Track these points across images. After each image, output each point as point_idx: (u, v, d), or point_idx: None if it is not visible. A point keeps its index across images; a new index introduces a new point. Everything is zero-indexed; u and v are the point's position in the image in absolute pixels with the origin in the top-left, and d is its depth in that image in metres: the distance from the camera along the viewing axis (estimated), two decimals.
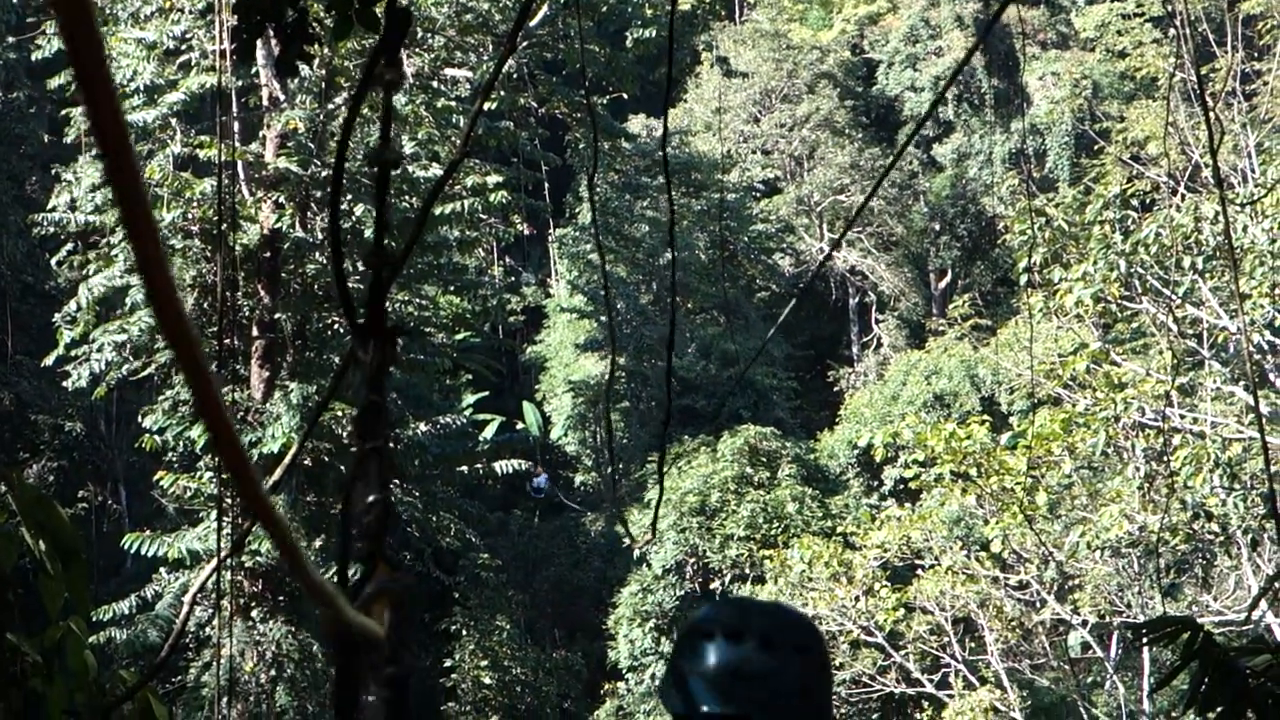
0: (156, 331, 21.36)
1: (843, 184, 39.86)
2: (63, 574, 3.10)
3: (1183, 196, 15.94)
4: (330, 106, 21.44)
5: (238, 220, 20.17)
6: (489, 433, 32.49)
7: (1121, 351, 17.56)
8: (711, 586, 25.03)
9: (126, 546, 21.62)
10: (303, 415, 20.49)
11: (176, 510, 23.31)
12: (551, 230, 37.96)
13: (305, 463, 21.32)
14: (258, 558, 20.66)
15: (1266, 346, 16.00)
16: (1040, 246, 16.19)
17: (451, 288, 25.95)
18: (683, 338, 33.41)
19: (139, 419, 22.16)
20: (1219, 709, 4.14)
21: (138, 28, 21.63)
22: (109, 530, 29.17)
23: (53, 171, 24.71)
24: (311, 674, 20.90)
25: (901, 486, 22.51)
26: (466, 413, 30.32)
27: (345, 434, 20.87)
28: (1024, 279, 16.74)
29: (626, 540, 26.03)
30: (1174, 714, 19.42)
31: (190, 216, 20.98)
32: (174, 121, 21.55)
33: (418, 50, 23.77)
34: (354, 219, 21.14)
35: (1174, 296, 15.48)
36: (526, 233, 37.04)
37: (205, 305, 21.13)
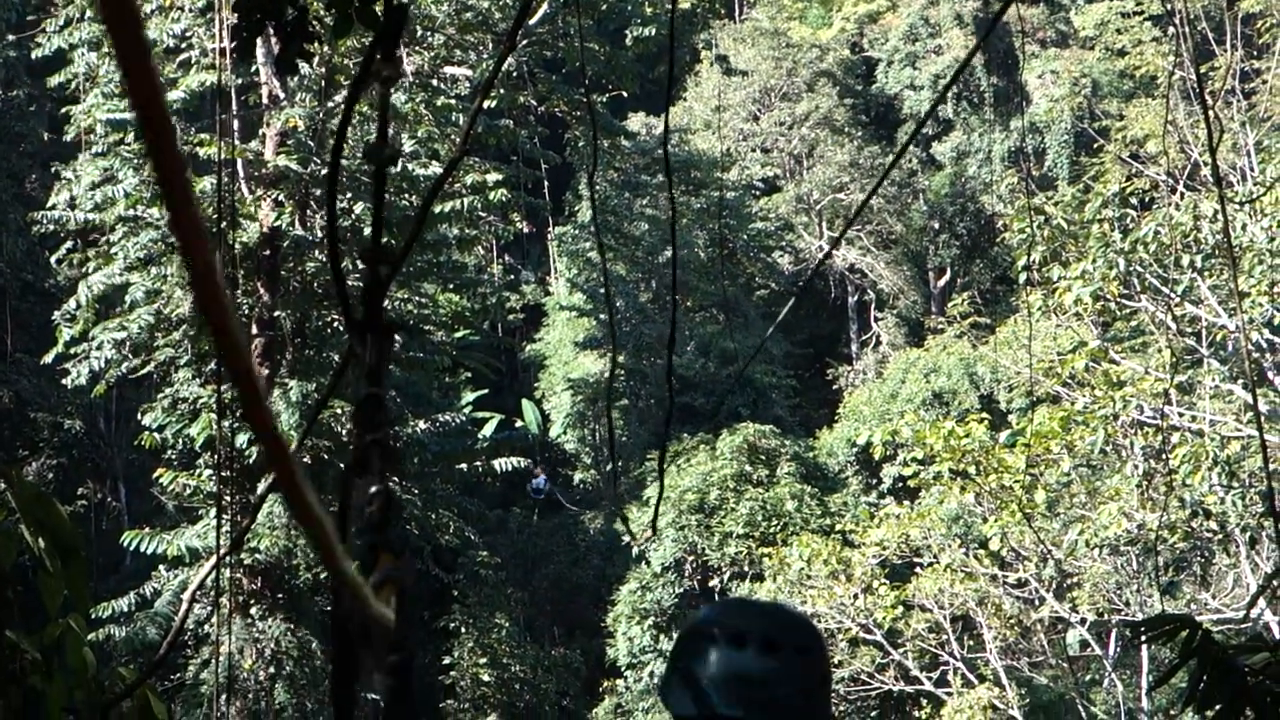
0: (156, 329, 21.38)
1: (842, 182, 39.84)
2: (62, 571, 3.10)
3: (1182, 195, 15.94)
4: (330, 105, 21.44)
5: (237, 218, 20.17)
6: (488, 430, 32.49)
7: (1120, 350, 17.56)
8: (710, 584, 25.05)
9: (126, 544, 21.63)
10: (302, 413, 20.50)
11: (176, 508, 23.31)
12: (551, 228, 37.95)
13: (305, 460, 21.32)
14: (257, 555, 20.67)
15: (1265, 345, 15.99)
16: (1039, 245, 16.19)
17: (451, 285, 25.95)
18: (682, 336, 33.40)
19: (138, 416, 22.16)
20: (1217, 707, 4.14)
21: None
22: (108, 528, 29.15)
23: (52, 169, 24.70)
24: (310, 671, 20.91)
25: (900, 484, 22.54)
26: (466, 410, 30.31)
27: (345, 431, 20.88)
28: (1023, 277, 16.74)
29: (626, 538, 26.04)
30: (1172, 712, 19.42)
31: None
32: (174, 119, 21.52)
33: (417, 48, 23.78)
34: (353, 217, 21.14)
35: (1173, 295, 15.49)
36: (526, 231, 37.03)
37: None
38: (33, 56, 24.76)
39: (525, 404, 35.56)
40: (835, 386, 37.63)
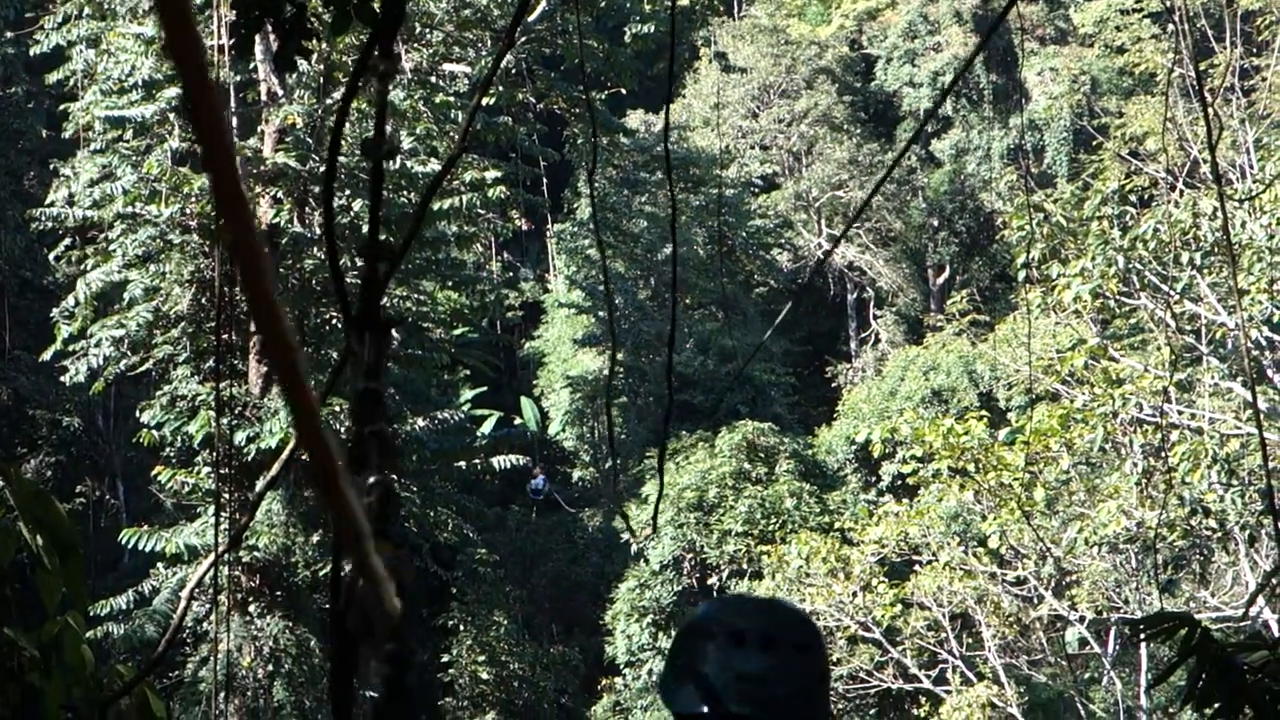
0: (154, 326, 21.37)
1: (841, 179, 39.82)
2: (60, 569, 3.10)
3: (1181, 192, 15.93)
4: (328, 102, 21.42)
5: None
6: (487, 428, 32.50)
7: (1120, 347, 17.57)
8: (709, 582, 25.05)
9: (124, 541, 21.63)
10: None
11: (174, 505, 23.30)
12: (549, 225, 37.94)
13: (303, 457, 21.24)
14: (255, 552, 20.67)
15: (1264, 342, 16.00)
16: (1038, 242, 16.19)
17: (449, 283, 25.94)
18: (681, 333, 33.39)
19: (137, 414, 22.15)
20: (1216, 704, 4.14)
21: (136, 22, 21.62)
22: (107, 525, 29.14)
23: (51, 166, 24.70)
24: (309, 669, 20.91)
25: (899, 482, 22.54)
26: (464, 408, 30.30)
27: (344, 429, 20.85)
28: (1022, 275, 16.74)
29: (625, 535, 26.04)
30: (1171, 710, 19.45)
31: (188, 211, 20.96)
32: (172, 116, 21.52)
33: (416, 45, 23.77)
34: (352, 214, 21.14)
35: (1172, 292, 15.49)
36: (524, 228, 37.05)
37: (203, 300, 21.12)
38: (31, 53, 24.77)
39: (524, 401, 35.58)
40: (834, 384, 37.63)
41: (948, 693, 18.76)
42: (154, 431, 21.63)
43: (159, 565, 21.36)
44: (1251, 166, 19.03)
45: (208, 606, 19.52)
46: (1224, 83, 19.32)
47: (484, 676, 25.12)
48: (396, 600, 0.95)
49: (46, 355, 22.72)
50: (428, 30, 24.18)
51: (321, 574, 21.12)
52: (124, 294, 21.51)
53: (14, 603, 3.17)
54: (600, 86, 31.60)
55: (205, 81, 0.69)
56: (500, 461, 26.20)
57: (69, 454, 29.89)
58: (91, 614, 18.92)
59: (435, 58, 24.48)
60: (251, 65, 21.59)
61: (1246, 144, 19.85)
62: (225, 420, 19.44)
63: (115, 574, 25.77)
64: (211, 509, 20.41)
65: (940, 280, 41.03)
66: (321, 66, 21.09)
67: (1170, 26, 28.30)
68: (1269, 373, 16.49)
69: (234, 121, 21.45)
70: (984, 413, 19.54)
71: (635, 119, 37.63)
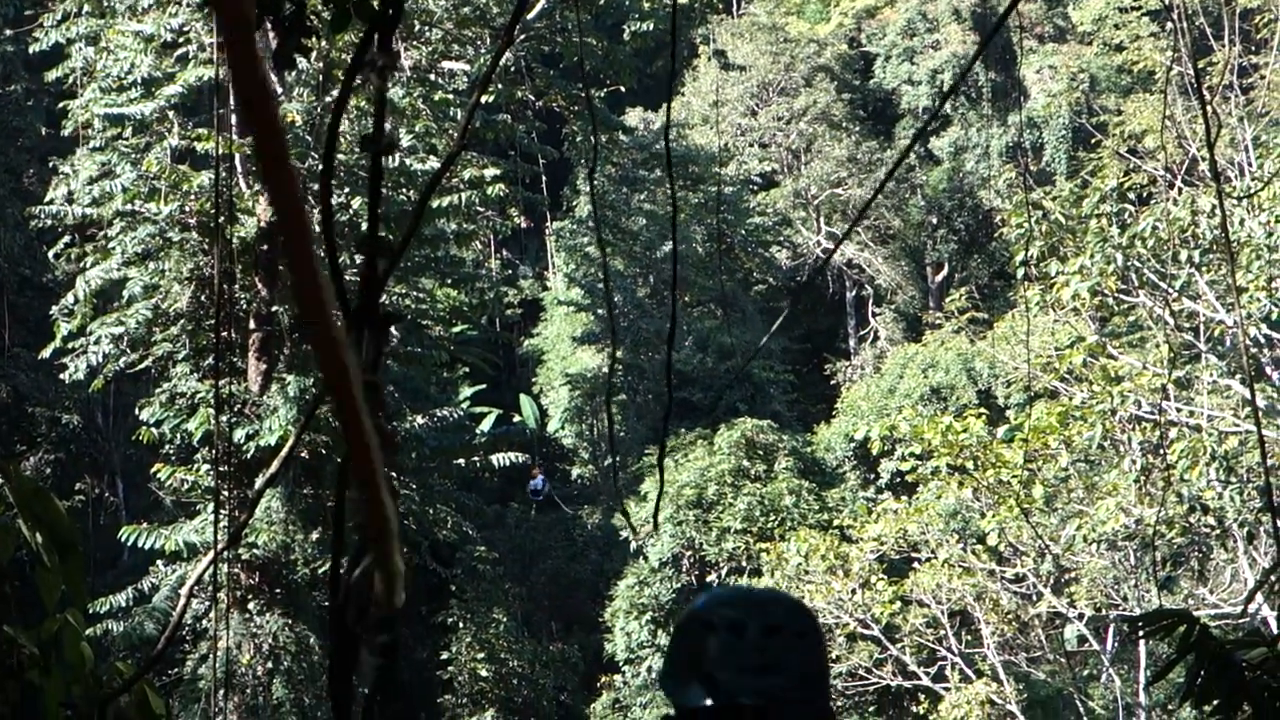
0: (154, 324, 21.38)
1: (840, 177, 39.82)
2: (60, 566, 3.10)
3: (1180, 190, 15.94)
4: (328, 99, 21.42)
5: (235, 213, 20.16)
6: (486, 425, 32.51)
7: (1118, 345, 17.57)
8: (708, 579, 25.06)
9: (123, 539, 21.64)
10: (300, 408, 20.49)
11: (174, 503, 23.30)
12: (549, 223, 37.94)
13: (302, 455, 21.33)
14: (255, 550, 20.67)
15: (1263, 340, 16.01)
16: (1037, 240, 16.18)
17: (448, 280, 25.94)
18: (680, 331, 33.39)
19: (136, 411, 22.15)
20: (1215, 701, 4.15)
21: (135, 20, 21.61)
22: (106, 523, 29.16)
23: (50, 164, 24.68)
24: (308, 666, 20.91)
25: (898, 479, 22.54)
26: (463, 405, 30.31)
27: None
28: (1021, 272, 16.73)
29: (624, 533, 26.05)
30: (1170, 707, 19.46)
31: (188, 209, 20.97)
32: (172, 114, 21.53)
33: (415, 43, 23.76)
34: (351, 212, 21.14)
35: (1171, 290, 15.49)
36: (523, 226, 37.05)
37: (203, 298, 21.13)
38: (30, 51, 24.77)
39: (523, 399, 35.58)
40: (833, 382, 37.63)
41: (946, 690, 18.77)
42: (153, 429, 21.64)
43: (158, 563, 21.37)
44: (1250, 164, 19.03)
45: (207, 604, 19.53)
46: (1222, 80, 19.33)
47: (483, 674, 25.13)
48: (401, 595, 0.96)
49: (46, 353, 22.72)
50: (427, 28, 24.17)
51: (321, 571, 21.12)
52: (123, 291, 21.51)
53: (13, 600, 3.17)
54: (599, 84, 31.58)
55: (253, 47, 0.70)
56: (499, 459, 26.21)
57: (68, 451, 29.90)
58: (91, 611, 18.93)
59: (434, 55, 24.47)
60: None
61: (1245, 142, 19.84)
62: (224, 418, 19.44)
63: (115, 571, 25.77)
64: (211, 506, 20.42)
65: (939, 278, 41.04)
66: (321, 64, 21.08)
67: (1169, 24, 28.30)
68: (1267, 370, 16.49)
69: (233, 119, 21.45)
70: (983, 410, 19.53)
71: (634, 117, 37.63)
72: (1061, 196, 17.25)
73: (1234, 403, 16.18)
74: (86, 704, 3.21)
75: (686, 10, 33.20)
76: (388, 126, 1.48)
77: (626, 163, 35.07)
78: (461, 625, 25.45)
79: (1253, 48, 27.34)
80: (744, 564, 24.19)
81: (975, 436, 16.99)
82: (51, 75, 23.43)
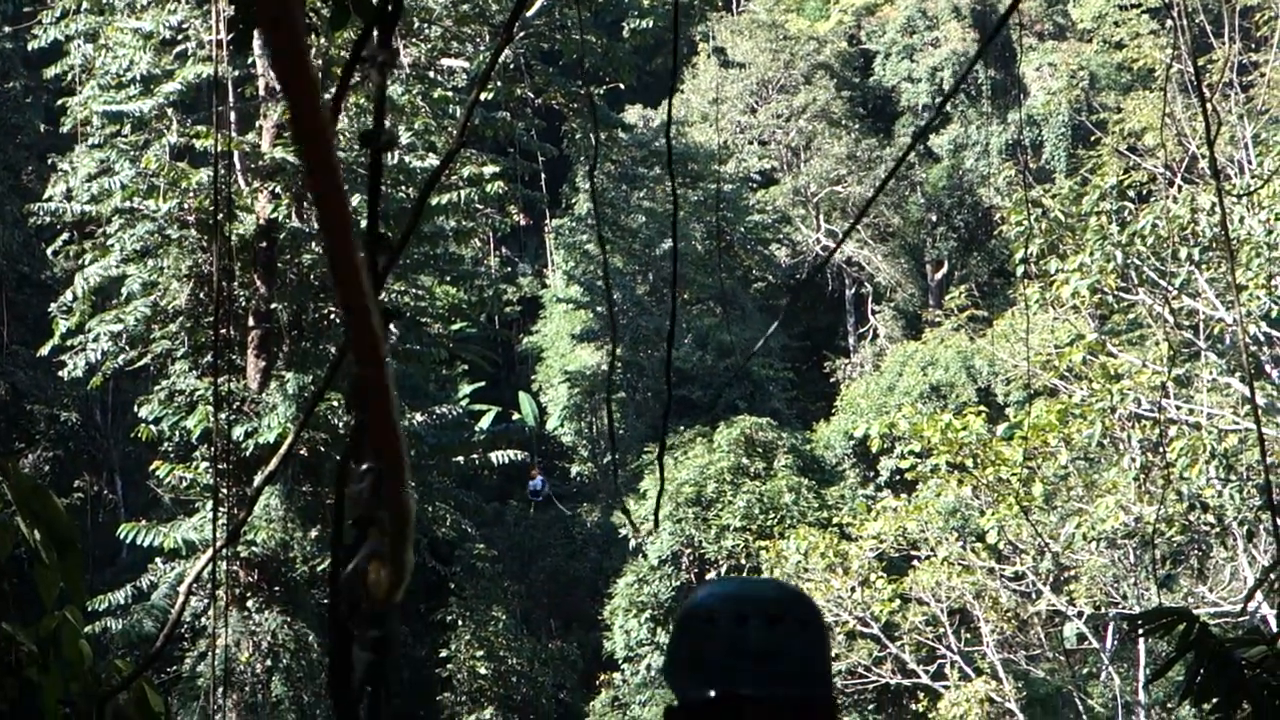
0: (152, 321, 21.37)
1: (839, 175, 39.82)
2: (58, 564, 3.09)
3: (1179, 188, 15.94)
4: (327, 97, 21.37)
5: (234, 210, 20.15)
6: (485, 423, 32.50)
7: (1118, 343, 17.58)
8: (707, 577, 25.04)
9: (122, 536, 21.63)
10: (299, 405, 20.48)
11: (172, 500, 23.30)
12: (548, 220, 37.93)
13: (301, 452, 21.32)
14: (253, 548, 20.66)
15: (1262, 338, 16.01)
16: (1037, 237, 16.19)
17: (448, 278, 25.92)
18: (679, 328, 33.39)
19: (135, 409, 22.15)
20: (1214, 699, 4.15)
21: (134, 17, 21.59)
22: (105, 520, 29.14)
23: (49, 161, 24.67)
24: (307, 664, 20.91)
25: (897, 477, 22.54)
26: (462, 403, 30.31)
27: (342, 424, 20.87)
28: (1020, 270, 16.73)
29: (623, 530, 26.05)
30: (1169, 705, 19.47)
31: (187, 206, 20.95)
32: (170, 111, 21.51)
33: (414, 40, 23.74)
34: (350, 209, 21.12)
35: (1170, 288, 15.49)
36: (523, 223, 37.05)
37: (201, 295, 21.11)
38: (29, 48, 24.74)
39: (522, 397, 35.58)
40: (832, 379, 37.64)
41: (946, 688, 18.77)
42: (152, 426, 21.63)
43: (157, 560, 21.36)
44: (1250, 162, 19.03)
45: (206, 601, 19.53)
46: (1222, 78, 19.33)
47: (482, 671, 25.13)
48: (399, 592, 0.95)
49: (44, 350, 22.71)
50: (426, 25, 24.15)
51: (320, 569, 21.12)
52: (122, 289, 21.50)
53: (12, 598, 3.17)
54: (599, 82, 31.56)
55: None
56: (498, 457, 26.21)
57: (67, 449, 29.89)
58: (89, 609, 18.93)
59: (434, 53, 24.45)
60: (250, 60, 21.56)
61: (1245, 139, 19.85)
62: (223, 415, 19.44)
63: (113, 569, 25.77)
64: (209, 504, 20.41)
65: (939, 275, 41.04)
66: (320, 62, 21.06)
67: (1169, 22, 28.29)
68: (1267, 368, 16.50)
69: (233, 116, 21.44)
70: (982, 408, 19.55)
71: (633, 114, 37.64)
72: (1061, 194, 17.26)
73: (1233, 400, 16.19)
74: (85, 701, 3.21)
75: (686, 7, 33.19)
76: (387, 123, 1.48)
77: (626, 160, 35.06)
78: (460, 623, 25.45)
79: (1252, 45, 27.32)
80: (743, 562, 24.18)
81: (975, 434, 17.00)
82: (50, 72, 23.41)
